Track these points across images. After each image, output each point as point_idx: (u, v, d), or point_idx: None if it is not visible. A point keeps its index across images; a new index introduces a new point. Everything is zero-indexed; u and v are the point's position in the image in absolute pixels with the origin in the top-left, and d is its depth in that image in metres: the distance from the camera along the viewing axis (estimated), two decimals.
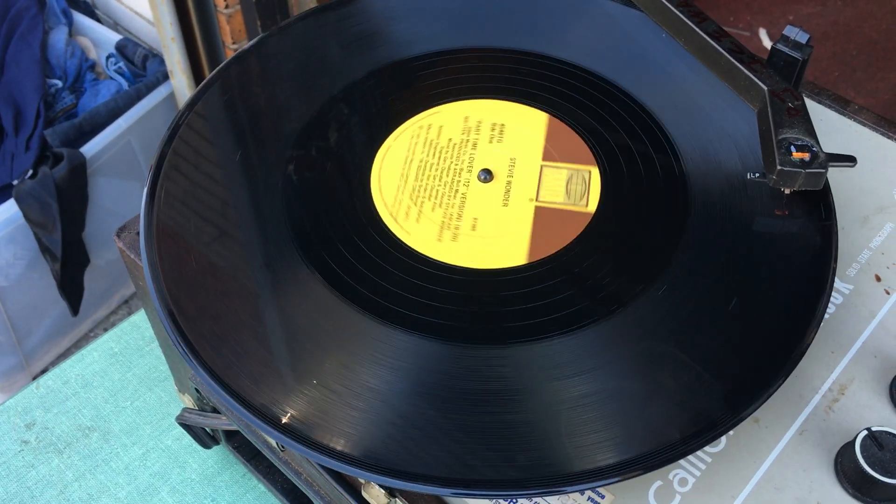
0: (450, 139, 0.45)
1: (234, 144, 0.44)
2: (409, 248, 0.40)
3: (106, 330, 1.42)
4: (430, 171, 0.43)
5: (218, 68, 0.46)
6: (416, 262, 0.40)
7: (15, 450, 0.54)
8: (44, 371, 1.35)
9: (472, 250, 0.40)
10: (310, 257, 0.39)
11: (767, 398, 0.35)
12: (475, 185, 0.43)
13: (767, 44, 1.88)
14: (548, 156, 0.44)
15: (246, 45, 0.48)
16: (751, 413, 0.34)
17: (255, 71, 0.48)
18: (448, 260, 0.40)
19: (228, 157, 0.43)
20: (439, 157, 0.44)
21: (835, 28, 1.90)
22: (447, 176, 0.43)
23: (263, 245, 0.40)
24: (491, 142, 0.45)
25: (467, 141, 0.45)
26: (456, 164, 0.44)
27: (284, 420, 0.35)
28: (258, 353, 0.37)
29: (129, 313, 1.44)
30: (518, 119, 0.46)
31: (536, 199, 0.42)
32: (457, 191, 0.42)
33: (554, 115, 0.46)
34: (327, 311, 0.38)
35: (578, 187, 0.42)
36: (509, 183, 0.43)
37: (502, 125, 0.45)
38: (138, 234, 0.43)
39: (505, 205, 0.42)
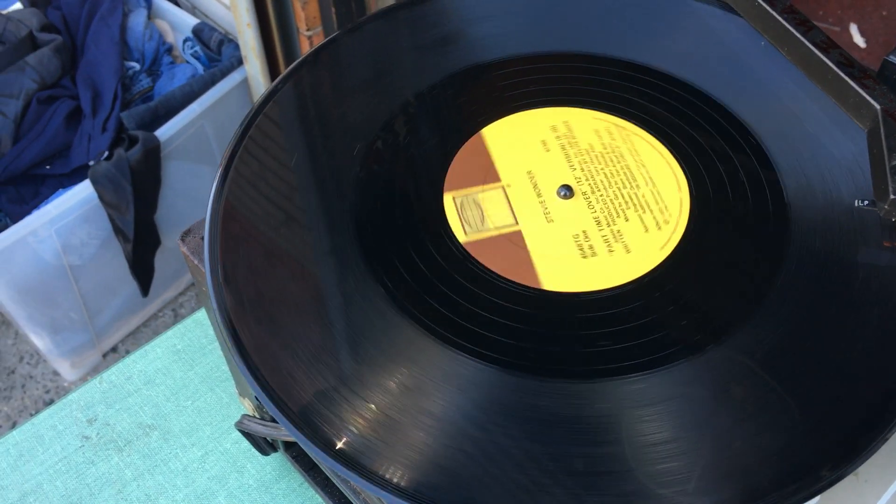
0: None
1: (302, 153, 0.42)
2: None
3: (174, 311, 1.43)
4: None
5: (282, 75, 0.45)
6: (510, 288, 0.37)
7: (76, 445, 0.54)
8: (113, 349, 1.37)
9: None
10: (381, 280, 0.37)
11: (875, 451, 0.32)
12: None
13: (858, 40, 1.80)
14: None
15: (318, 41, 0.46)
16: (856, 467, 0.31)
17: (325, 76, 0.46)
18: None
19: (296, 167, 0.42)
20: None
21: None
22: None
23: (336, 263, 0.38)
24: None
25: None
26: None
27: (339, 445, 0.33)
28: (319, 374, 0.35)
29: (197, 295, 1.45)
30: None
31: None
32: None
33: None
34: (396, 333, 0.36)
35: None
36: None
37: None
38: (202, 238, 0.42)
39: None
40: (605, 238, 0.39)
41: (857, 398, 0.33)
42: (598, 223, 0.39)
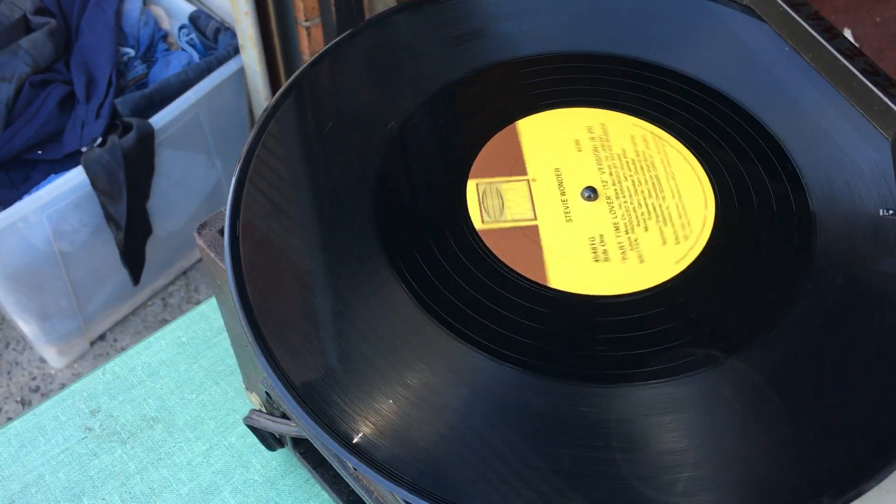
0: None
1: (323, 145, 0.42)
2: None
3: (164, 300, 1.42)
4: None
5: (301, 69, 0.44)
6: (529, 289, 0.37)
7: (79, 436, 0.53)
8: (101, 337, 1.36)
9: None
10: (400, 273, 0.37)
11: (883, 478, 0.32)
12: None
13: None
14: None
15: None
16: (862, 494, 0.31)
17: (344, 69, 0.45)
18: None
19: (317, 157, 0.41)
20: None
21: None
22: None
23: (355, 256, 0.38)
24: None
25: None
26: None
27: (356, 440, 0.33)
28: (339, 369, 0.35)
29: (187, 284, 1.44)
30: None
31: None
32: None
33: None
34: (414, 325, 0.36)
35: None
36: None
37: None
38: (221, 232, 0.42)
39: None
40: (620, 245, 0.38)
41: (869, 425, 0.33)
42: (617, 229, 0.39)
